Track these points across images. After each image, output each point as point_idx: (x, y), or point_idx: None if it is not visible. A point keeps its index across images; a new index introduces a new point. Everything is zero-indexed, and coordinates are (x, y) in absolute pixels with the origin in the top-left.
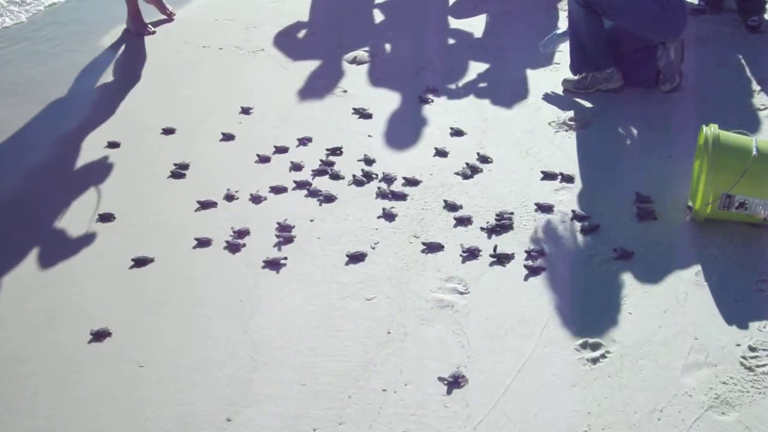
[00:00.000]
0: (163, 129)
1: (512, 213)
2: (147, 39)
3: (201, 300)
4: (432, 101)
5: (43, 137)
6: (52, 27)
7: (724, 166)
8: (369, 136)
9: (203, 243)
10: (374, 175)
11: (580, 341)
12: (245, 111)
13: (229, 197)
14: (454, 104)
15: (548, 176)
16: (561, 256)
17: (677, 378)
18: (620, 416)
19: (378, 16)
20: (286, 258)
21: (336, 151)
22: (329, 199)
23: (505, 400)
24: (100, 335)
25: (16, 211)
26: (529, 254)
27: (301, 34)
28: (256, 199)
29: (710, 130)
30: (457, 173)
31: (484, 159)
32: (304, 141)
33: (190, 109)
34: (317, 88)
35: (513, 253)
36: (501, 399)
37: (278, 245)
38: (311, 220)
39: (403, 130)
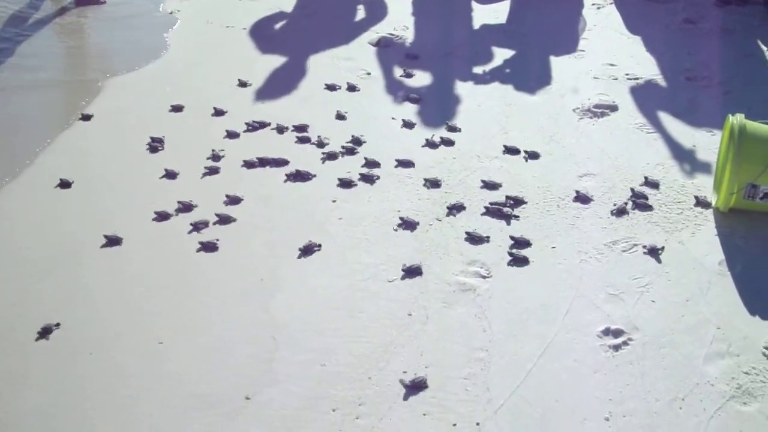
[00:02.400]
0: (171, 106)
1: (505, 201)
2: (169, 18)
3: (221, 279)
4: (414, 75)
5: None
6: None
7: (749, 155)
8: (392, 118)
9: (223, 220)
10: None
11: (603, 328)
12: (243, 83)
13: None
14: (478, 89)
15: (510, 151)
16: (583, 242)
17: (699, 367)
18: (641, 404)
19: (402, 0)
20: (217, 240)
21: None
22: (348, 184)
23: (527, 384)
24: (46, 331)
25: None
26: (515, 241)
27: (325, 16)
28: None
29: (736, 119)
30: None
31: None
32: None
33: (201, 89)
34: (340, 69)
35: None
36: (522, 384)
37: (218, 222)
38: (333, 201)
39: (427, 114)
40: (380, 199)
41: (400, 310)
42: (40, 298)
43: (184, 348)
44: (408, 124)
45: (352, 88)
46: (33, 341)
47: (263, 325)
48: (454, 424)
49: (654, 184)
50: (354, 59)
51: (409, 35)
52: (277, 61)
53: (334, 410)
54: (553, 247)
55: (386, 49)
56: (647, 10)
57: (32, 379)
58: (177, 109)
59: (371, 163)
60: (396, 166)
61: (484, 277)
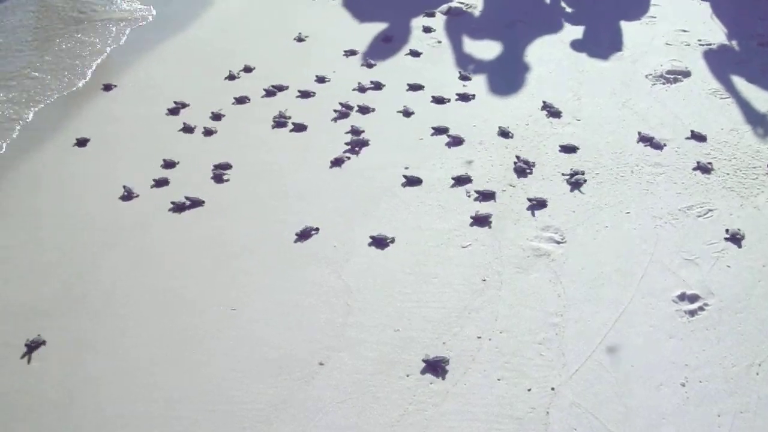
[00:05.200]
0: (226, 75)
1: (583, 171)
2: None
3: (294, 245)
4: (434, 30)
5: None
6: None
7: None
8: (464, 85)
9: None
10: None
11: (678, 293)
12: (351, 52)
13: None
14: (549, 56)
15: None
16: (657, 207)
17: None
18: (718, 369)
19: None
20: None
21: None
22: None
23: (602, 350)
24: (33, 346)
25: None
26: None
27: None
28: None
29: None
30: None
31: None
32: (415, 87)
33: (278, 61)
34: (412, 38)
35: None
36: (597, 349)
37: (216, 178)
38: (406, 168)
39: (499, 82)
40: (454, 164)
41: (474, 276)
42: (108, 262)
43: (258, 314)
44: (465, 97)
45: (415, 53)
46: (102, 309)
47: (337, 291)
48: (529, 389)
49: (700, 137)
50: (427, 27)
51: (478, 3)
52: (352, 28)
53: (407, 375)
54: (628, 213)
55: (456, 17)
56: None
57: (101, 345)
58: (230, 77)
59: (440, 130)
60: (433, 135)
61: (558, 242)
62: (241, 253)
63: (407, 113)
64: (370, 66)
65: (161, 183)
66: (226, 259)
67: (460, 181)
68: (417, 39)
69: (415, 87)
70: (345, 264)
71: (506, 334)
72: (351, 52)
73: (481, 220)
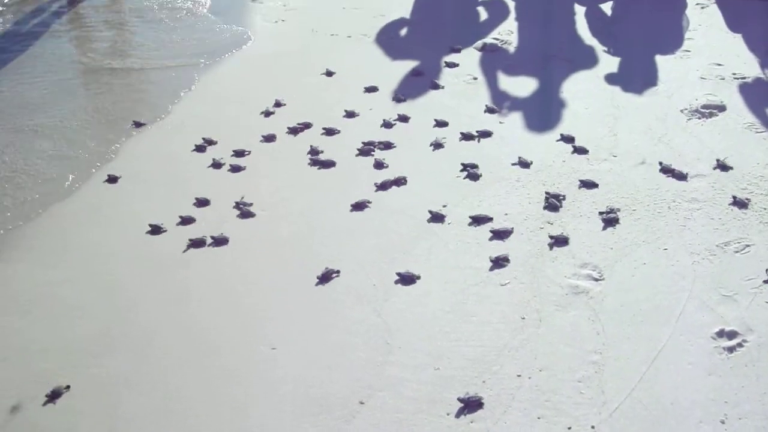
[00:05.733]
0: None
1: (619, 209)
2: (275, 27)
3: (333, 283)
4: (458, 65)
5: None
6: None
7: None
8: (500, 122)
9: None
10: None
11: (717, 329)
12: (371, 89)
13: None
14: (585, 91)
15: (565, 138)
16: (695, 243)
17: None
18: (757, 406)
19: (506, 4)
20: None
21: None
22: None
23: (641, 387)
24: (55, 395)
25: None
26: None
27: (430, 21)
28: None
29: None
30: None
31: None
32: (441, 123)
33: (309, 98)
34: (446, 74)
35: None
36: (636, 386)
37: (240, 214)
38: (444, 206)
39: (535, 118)
40: (491, 203)
41: (512, 314)
42: (143, 301)
43: (298, 352)
44: (484, 134)
45: (435, 85)
46: (141, 347)
47: (376, 329)
48: (569, 428)
49: (724, 167)
50: (461, 64)
51: (513, 39)
52: (390, 66)
53: (448, 414)
54: (665, 249)
55: (491, 53)
56: (749, 9)
57: (141, 384)
58: (266, 114)
59: (472, 167)
60: (463, 171)
61: (596, 279)
62: (278, 291)
63: (438, 145)
64: (399, 101)
65: (187, 221)
66: (262, 297)
67: (479, 220)
68: (451, 75)
69: (441, 123)
70: (384, 303)
71: (546, 373)
72: (371, 89)
73: (499, 262)
